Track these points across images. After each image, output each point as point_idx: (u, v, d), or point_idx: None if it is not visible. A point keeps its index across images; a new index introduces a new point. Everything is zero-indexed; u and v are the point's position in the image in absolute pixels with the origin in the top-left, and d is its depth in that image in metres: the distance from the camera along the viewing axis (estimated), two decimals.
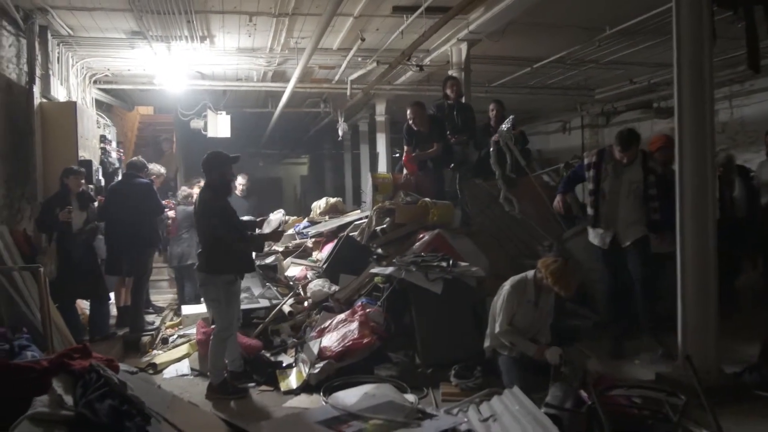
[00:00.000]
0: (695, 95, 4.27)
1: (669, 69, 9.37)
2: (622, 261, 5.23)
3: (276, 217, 8.58)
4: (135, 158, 6.81)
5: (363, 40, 7.54)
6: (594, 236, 5.37)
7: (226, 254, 4.50)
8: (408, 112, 7.09)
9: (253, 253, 5.14)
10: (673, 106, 4.44)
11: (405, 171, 7.45)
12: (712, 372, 4.16)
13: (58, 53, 7.11)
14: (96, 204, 6.08)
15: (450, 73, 7.92)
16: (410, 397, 4.16)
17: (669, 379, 4.24)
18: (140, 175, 6.46)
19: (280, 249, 7.82)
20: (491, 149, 7.03)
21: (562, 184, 5.84)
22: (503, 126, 7.12)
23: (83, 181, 5.76)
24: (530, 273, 4.45)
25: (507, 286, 4.43)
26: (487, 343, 4.55)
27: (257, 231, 5.49)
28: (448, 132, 7.27)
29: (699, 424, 3.41)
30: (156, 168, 7.37)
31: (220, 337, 4.56)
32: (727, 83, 9.61)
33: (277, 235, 5.38)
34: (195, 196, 7.97)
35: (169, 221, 7.43)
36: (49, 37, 6.72)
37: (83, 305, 6.24)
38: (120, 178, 7.78)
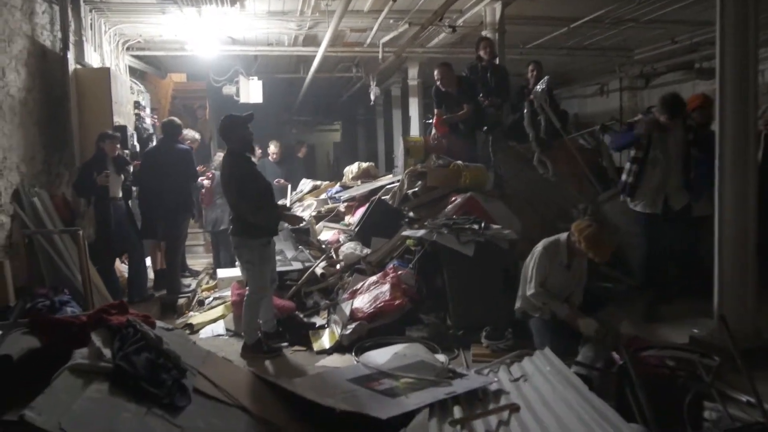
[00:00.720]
0: (738, 54, 4.10)
1: (713, 27, 8.86)
2: (664, 227, 5.13)
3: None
4: (169, 119, 6.79)
5: (394, 1, 7.38)
6: (638, 204, 5.24)
7: (258, 218, 4.51)
8: (435, 72, 6.96)
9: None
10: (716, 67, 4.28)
11: (434, 132, 7.37)
12: (749, 335, 4.08)
13: (91, 19, 7.17)
14: (131, 168, 6.20)
15: (484, 33, 7.72)
16: (441, 358, 4.20)
17: (703, 341, 4.17)
18: (179, 140, 6.53)
19: (314, 213, 7.88)
20: (525, 111, 6.90)
21: (615, 143, 5.74)
22: (538, 87, 6.96)
23: (119, 145, 5.87)
24: (563, 236, 4.38)
25: (539, 247, 4.38)
26: (518, 305, 4.53)
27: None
28: (480, 94, 7.13)
29: (733, 387, 3.35)
30: (191, 133, 7.45)
31: (254, 299, 4.63)
32: None
33: (294, 219, 5.22)
34: None
35: (203, 189, 7.53)
36: (82, 3, 6.76)
37: (122, 268, 6.43)
38: (155, 143, 7.90)
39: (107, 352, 2.48)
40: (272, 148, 9.45)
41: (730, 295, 4.17)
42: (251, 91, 10.63)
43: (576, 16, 8.63)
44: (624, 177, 5.32)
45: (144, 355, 2.56)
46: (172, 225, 6.30)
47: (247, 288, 4.77)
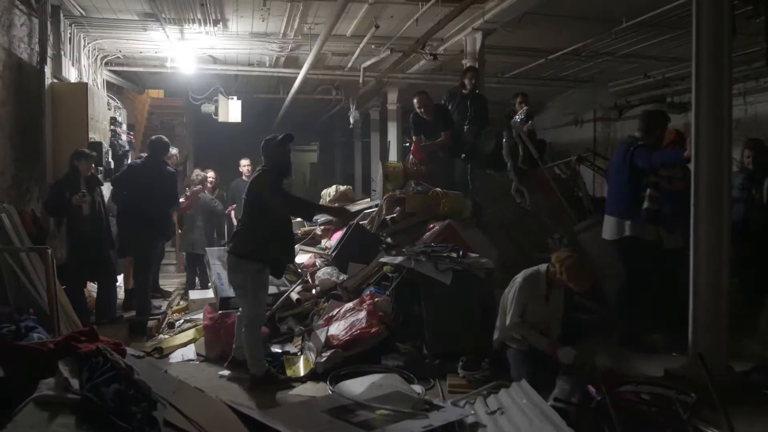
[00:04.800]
0: (713, 90, 4.19)
1: (684, 64, 9.29)
2: (642, 257, 5.14)
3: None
4: (158, 136, 6.54)
5: (377, 27, 7.46)
6: (645, 230, 5.08)
7: (263, 240, 4.34)
8: (415, 101, 7.02)
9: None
10: (687, 102, 4.42)
11: (412, 158, 7.39)
12: (722, 370, 4.10)
13: (70, 34, 7.08)
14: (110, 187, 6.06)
15: (464, 62, 7.84)
16: (417, 388, 4.13)
17: (677, 375, 4.20)
18: (166, 161, 6.41)
19: None
20: (504, 140, 6.98)
21: (655, 159, 4.95)
22: (517, 117, 7.08)
23: (93, 164, 5.73)
24: (543, 266, 4.39)
25: (519, 278, 4.38)
26: (495, 336, 4.51)
27: None
28: (466, 121, 7.20)
29: (709, 424, 3.36)
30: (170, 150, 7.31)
31: (251, 327, 4.38)
32: (742, 79, 9.44)
33: (339, 211, 4.95)
34: (209, 181, 7.98)
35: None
36: (62, 17, 6.69)
37: (90, 288, 6.24)
38: (129, 159, 7.77)
39: (75, 383, 2.37)
40: (244, 164, 9.29)
41: (705, 332, 4.20)
42: (230, 111, 10.58)
43: (554, 48, 8.85)
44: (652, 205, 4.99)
45: (114, 386, 2.44)
46: (145, 244, 6.15)
47: (238, 313, 4.64)
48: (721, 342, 4.18)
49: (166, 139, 6.53)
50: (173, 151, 7.54)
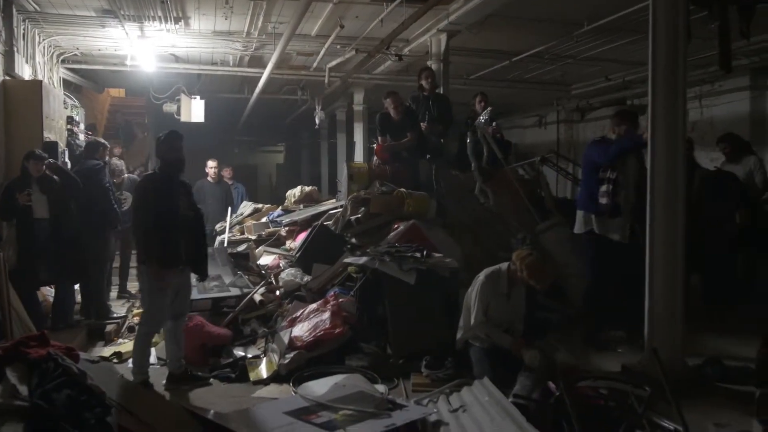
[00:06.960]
0: (669, 93, 4.31)
1: (643, 67, 9.42)
2: (612, 254, 5.20)
3: None
4: (94, 139, 6.59)
5: (342, 27, 7.44)
6: (609, 228, 5.14)
7: (149, 242, 4.25)
8: (388, 101, 7.00)
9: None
10: (646, 104, 4.48)
11: (375, 158, 7.40)
12: (677, 364, 4.21)
13: (24, 30, 6.86)
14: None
15: (428, 64, 7.87)
16: (380, 388, 4.14)
17: (635, 370, 4.29)
18: (96, 157, 6.19)
19: (253, 237, 7.72)
20: (468, 140, 7.04)
21: (610, 157, 5.08)
22: (480, 118, 7.14)
23: (44, 166, 5.52)
24: (504, 265, 4.44)
25: (481, 276, 4.42)
26: (459, 335, 4.53)
27: None
28: (426, 121, 7.22)
29: (663, 416, 3.45)
30: (115, 162, 7.08)
31: (141, 331, 4.32)
32: (698, 83, 9.73)
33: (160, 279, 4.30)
34: None
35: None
36: (14, 12, 6.47)
37: (45, 292, 6.03)
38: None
39: (23, 390, 2.29)
40: (211, 165, 9.19)
41: (660, 327, 4.31)
42: (193, 111, 10.42)
43: (518, 50, 8.97)
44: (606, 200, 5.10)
45: (65, 392, 2.37)
46: (91, 240, 5.94)
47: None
48: (676, 337, 4.29)
49: (98, 140, 6.56)
50: (122, 168, 7.26)
